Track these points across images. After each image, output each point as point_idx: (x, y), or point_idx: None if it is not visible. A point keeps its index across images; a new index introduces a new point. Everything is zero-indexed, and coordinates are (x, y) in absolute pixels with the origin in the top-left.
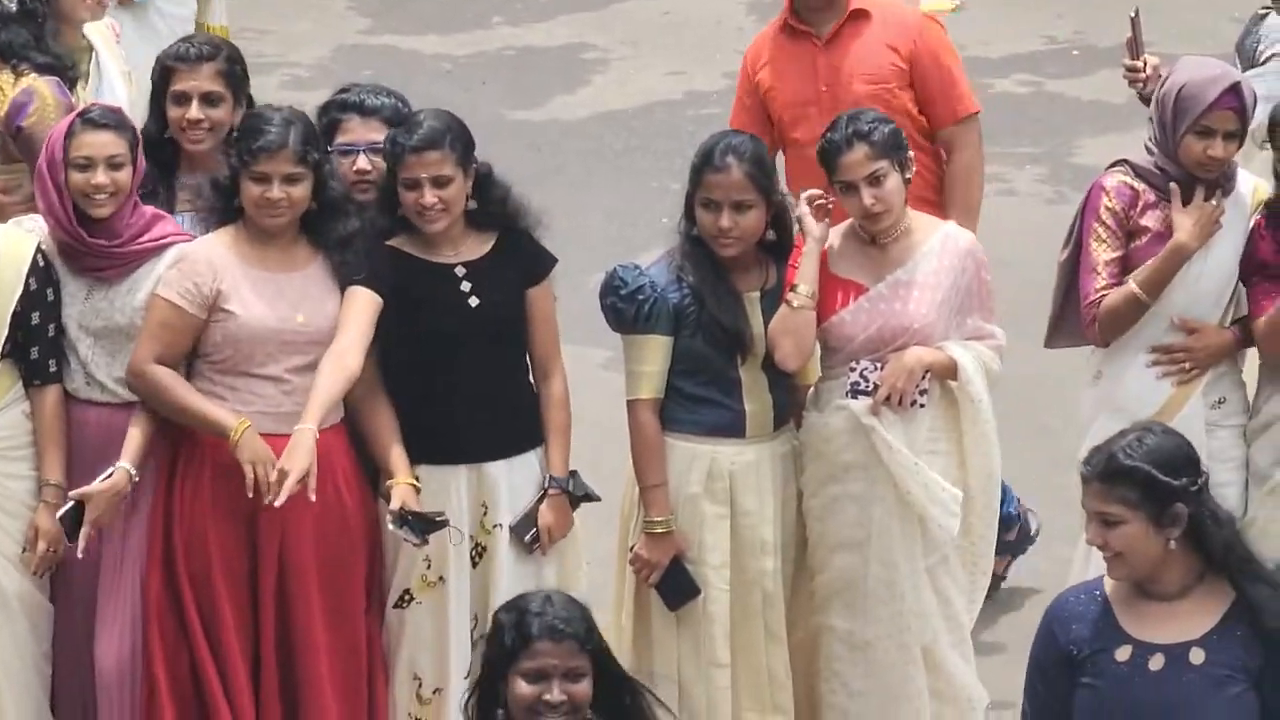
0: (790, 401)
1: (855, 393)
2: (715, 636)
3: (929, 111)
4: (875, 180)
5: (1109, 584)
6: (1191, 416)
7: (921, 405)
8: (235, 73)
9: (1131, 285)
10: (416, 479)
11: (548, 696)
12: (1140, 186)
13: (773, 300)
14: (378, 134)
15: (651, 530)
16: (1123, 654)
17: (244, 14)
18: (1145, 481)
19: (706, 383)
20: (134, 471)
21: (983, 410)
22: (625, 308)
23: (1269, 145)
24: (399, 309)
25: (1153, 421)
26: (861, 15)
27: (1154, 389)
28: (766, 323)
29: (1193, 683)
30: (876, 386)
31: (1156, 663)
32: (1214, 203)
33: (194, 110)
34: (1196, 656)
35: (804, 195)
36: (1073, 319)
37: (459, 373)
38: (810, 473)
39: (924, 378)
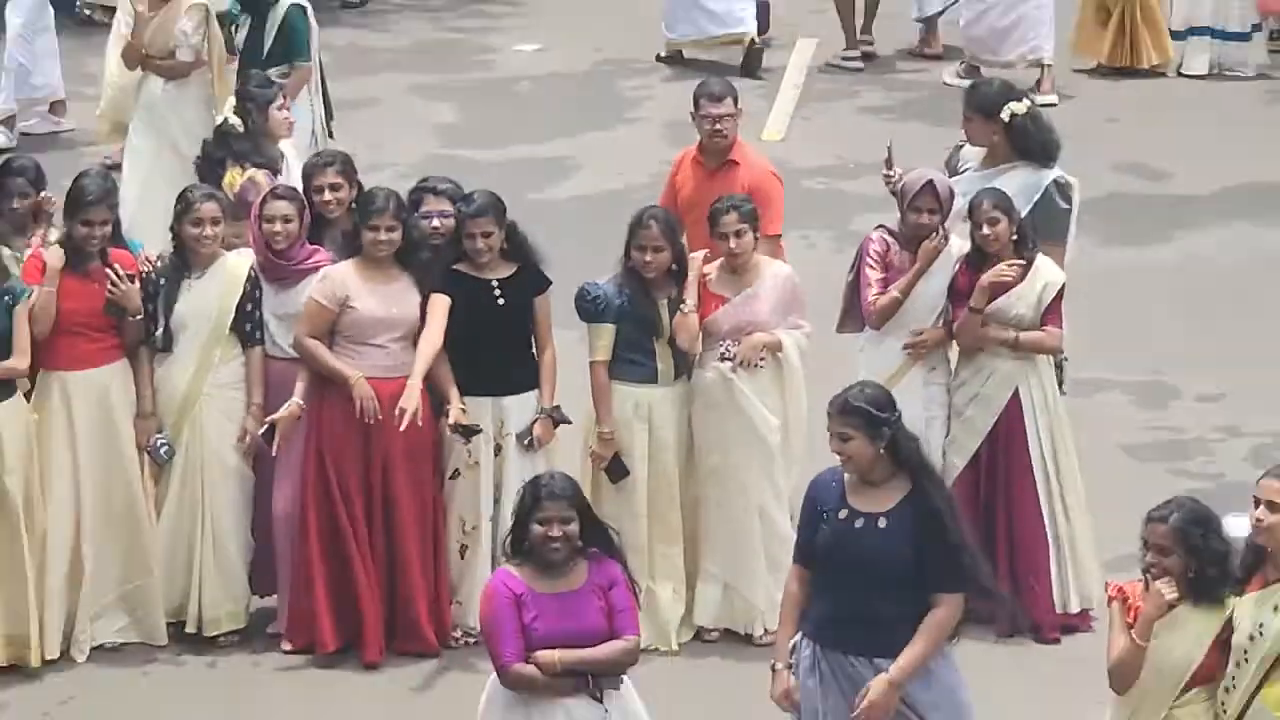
0: (684, 363)
1: (722, 359)
2: (637, 499)
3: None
4: (739, 234)
5: (846, 474)
6: (914, 376)
7: (760, 367)
8: (348, 170)
9: (894, 292)
10: (464, 406)
11: (552, 533)
12: (890, 240)
13: (674, 305)
14: (446, 206)
15: (602, 436)
16: (843, 515)
17: (368, 131)
18: (864, 413)
19: (635, 351)
20: (302, 403)
21: (796, 371)
22: (588, 306)
23: (968, 220)
24: (460, 306)
25: (868, 380)
26: (732, 163)
27: (890, 359)
28: (671, 317)
29: (878, 539)
30: (734, 355)
31: (859, 523)
32: (935, 243)
33: (326, 195)
34: (882, 522)
35: (695, 258)
36: (855, 314)
37: (491, 343)
38: (696, 405)
39: (762, 351)
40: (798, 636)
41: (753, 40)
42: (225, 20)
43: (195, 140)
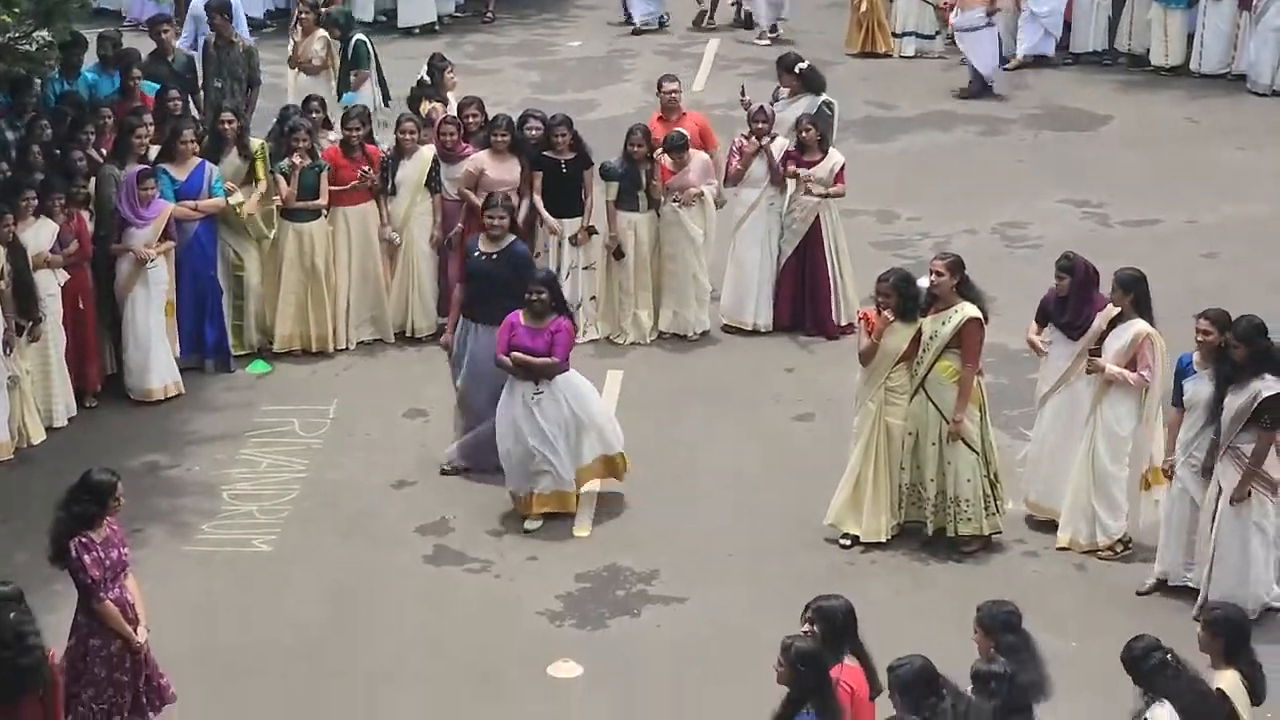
0: (653, 202)
1: (674, 200)
2: (629, 269)
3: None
4: (684, 148)
5: None
6: (760, 211)
7: (692, 205)
8: (415, 122)
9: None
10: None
11: (532, 296)
12: (744, 140)
13: (649, 173)
14: (537, 123)
15: (612, 237)
16: None
17: (492, 88)
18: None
19: (629, 195)
20: (461, 226)
21: (709, 204)
22: (607, 172)
23: (793, 130)
24: (546, 175)
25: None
26: (681, 115)
27: (745, 204)
28: (648, 182)
29: None
30: (679, 200)
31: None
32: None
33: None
34: None
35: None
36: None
37: (561, 194)
38: (660, 223)
39: (696, 197)
40: None
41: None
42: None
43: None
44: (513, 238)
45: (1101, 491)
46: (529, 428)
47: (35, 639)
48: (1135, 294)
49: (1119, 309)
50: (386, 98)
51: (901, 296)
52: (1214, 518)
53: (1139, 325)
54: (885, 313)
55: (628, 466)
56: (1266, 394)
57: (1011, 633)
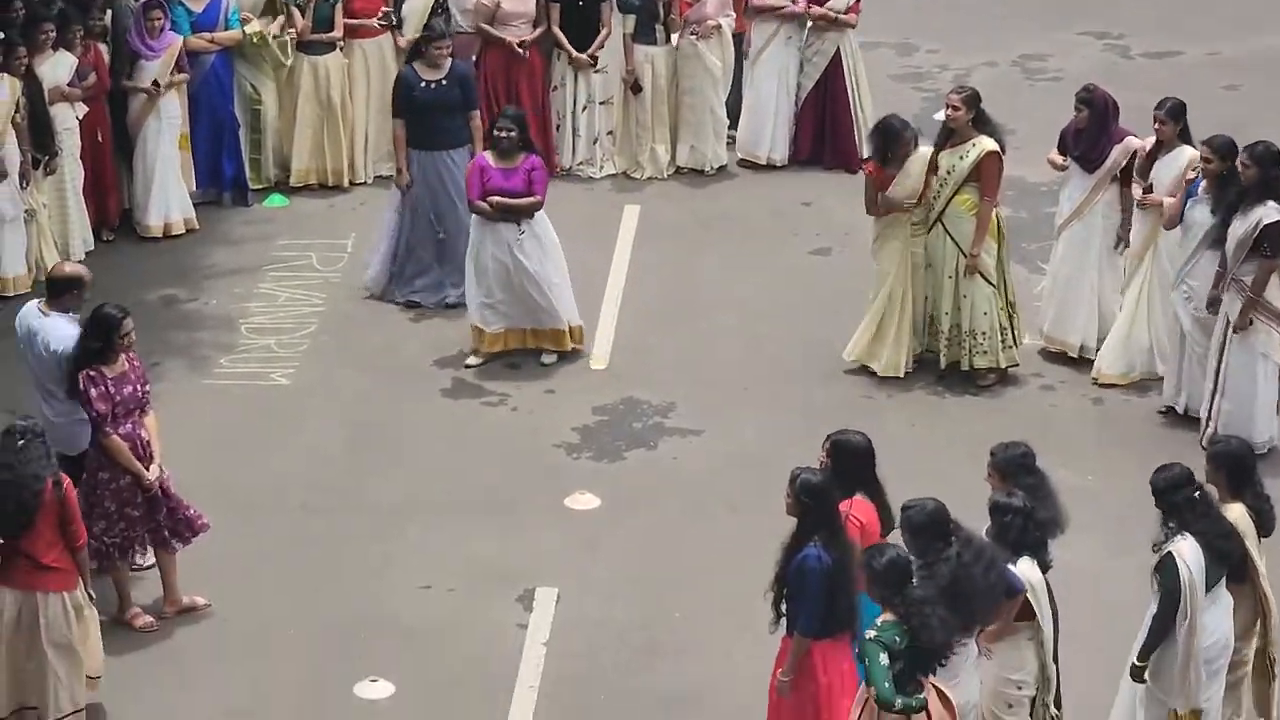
0: (671, 35)
1: (693, 33)
2: (646, 102)
3: None
4: None
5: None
6: (779, 44)
7: (710, 37)
8: None
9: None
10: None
11: (500, 133)
12: None
13: (665, 7)
14: None
15: (629, 70)
16: None
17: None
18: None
19: (646, 29)
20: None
21: (726, 33)
22: (625, 4)
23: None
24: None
25: None
26: None
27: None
28: (666, 16)
29: None
30: (696, 31)
31: None
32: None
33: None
34: None
35: None
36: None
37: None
38: (678, 56)
39: (714, 29)
40: None
41: None
42: None
43: None
44: (451, 60)
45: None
46: (514, 268)
47: (40, 475)
48: (1184, 123)
49: (1158, 140)
50: None
51: (883, 142)
52: (1222, 349)
53: (1189, 150)
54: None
55: (580, 339)
56: (1268, 221)
57: (1028, 474)
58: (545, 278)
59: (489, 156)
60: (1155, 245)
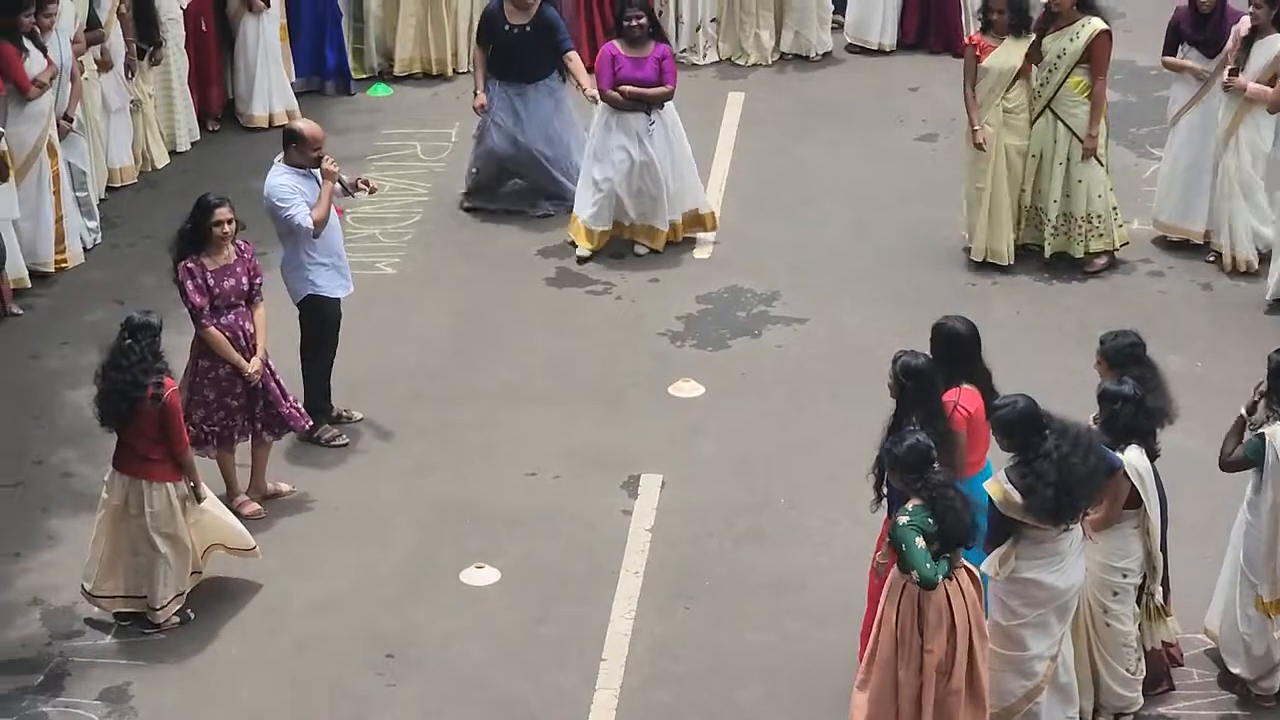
0: None
1: None
2: None
3: None
4: None
5: None
6: None
7: None
8: None
9: None
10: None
11: (629, 23)
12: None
13: None
14: None
15: None
16: None
17: None
18: None
19: None
20: None
21: None
22: None
23: None
24: None
25: None
26: None
27: None
28: None
29: None
30: None
31: None
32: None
33: None
34: None
35: None
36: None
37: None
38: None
39: None
40: None
41: None
42: None
43: None
44: (540, 4)
45: (1252, 202)
46: (640, 159)
47: (139, 382)
48: (1278, 9)
49: (1253, 24)
50: None
51: (1013, 10)
52: None
53: None
54: (994, 34)
55: (716, 224)
56: None
57: (1138, 364)
58: (670, 169)
59: (618, 44)
60: (1238, 131)
